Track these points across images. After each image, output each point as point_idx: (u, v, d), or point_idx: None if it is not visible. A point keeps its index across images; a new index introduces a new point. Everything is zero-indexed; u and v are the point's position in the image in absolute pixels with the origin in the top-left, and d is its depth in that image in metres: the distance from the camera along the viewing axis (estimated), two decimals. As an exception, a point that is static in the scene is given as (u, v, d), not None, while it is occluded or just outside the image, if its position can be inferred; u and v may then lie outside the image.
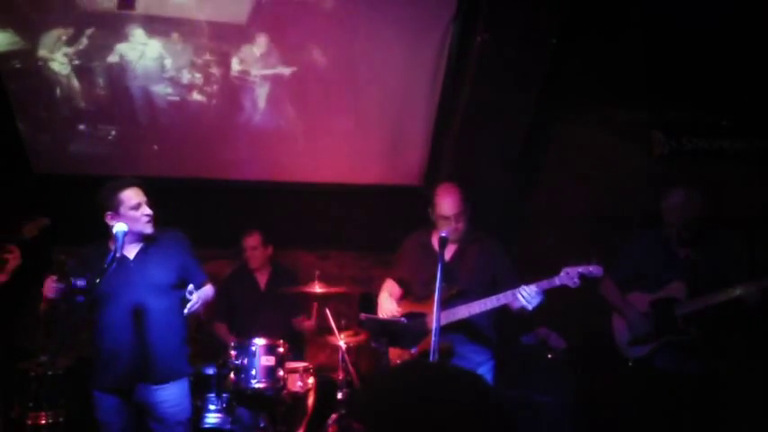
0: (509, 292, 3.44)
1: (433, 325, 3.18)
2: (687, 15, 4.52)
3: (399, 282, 3.94)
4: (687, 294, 3.67)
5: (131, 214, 3.30)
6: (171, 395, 3.39)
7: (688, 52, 4.79)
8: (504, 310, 3.57)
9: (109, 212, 3.31)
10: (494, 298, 3.49)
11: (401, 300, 3.86)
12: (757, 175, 5.31)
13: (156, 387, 3.37)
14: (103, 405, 3.36)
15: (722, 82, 4.98)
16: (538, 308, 3.41)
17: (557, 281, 3.37)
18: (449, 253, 3.71)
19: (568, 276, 3.35)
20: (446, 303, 3.53)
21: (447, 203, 3.67)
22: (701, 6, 4.44)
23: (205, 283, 3.54)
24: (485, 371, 3.75)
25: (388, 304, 3.79)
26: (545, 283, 3.37)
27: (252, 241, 5.10)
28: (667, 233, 3.83)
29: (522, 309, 3.43)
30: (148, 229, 3.37)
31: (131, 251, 3.39)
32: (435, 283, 3.37)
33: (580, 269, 3.35)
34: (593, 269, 3.36)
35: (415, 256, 3.85)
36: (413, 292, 3.83)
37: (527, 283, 3.38)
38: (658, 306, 3.74)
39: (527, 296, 3.36)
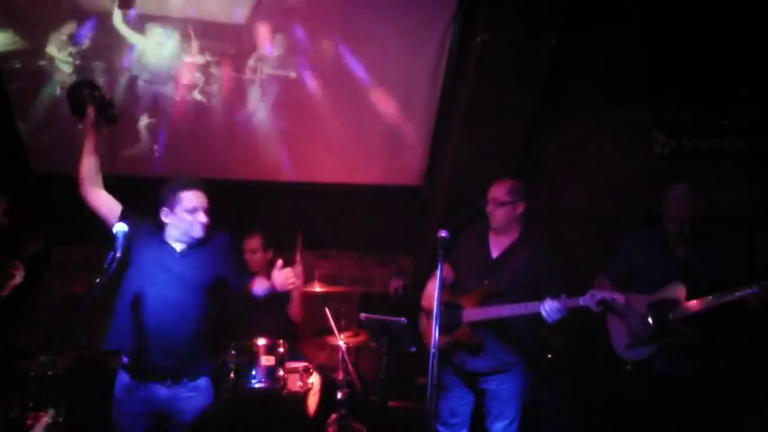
0: (536, 303, 3.53)
1: (433, 324, 3.17)
2: (687, 15, 4.53)
3: (453, 266, 3.95)
4: (687, 296, 3.63)
5: (185, 216, 3.30)
6: (195, 403, 3.37)
7: (688, 52, 4.80)
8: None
9: (165, 208, 3.33)
10: (522, 306, 3.59)
11: (450, 286, 3.91)
12: (757, 175, 5.31)
13: (183, 393, 3.33)
14: (127, 411, 3.31)
15: (722, 82, 4.98)
16: (560, 322, 3.51)
17: (581, 301, 3.47)
18: (498, 250, 3.87)
19: (593, 299, 3.44)
20: (483, 301, 3.73)
21: (493, 188, 3.87)
22: (701, 6, 4.45)
23: (249, 284, 3.52)
24: (515, 373, 3.80)
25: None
26: (570, 302, 3.47)
27: (252, 243, 4.97)
28: (666, 231, 3.77)
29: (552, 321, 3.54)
30: (198, 234, 3.35)
31: (179, 245, 3.39)
32: (482, 279, 3.76)
33: (605, 294, 3.45)
34: (617, 297, 3.46)
35: (470, 248, 3.92)
36: (459, 282, 3.89)
37: (552, 297, 3.48)
38: (658, 308, 3.69)
39: (548, 310, 3.48)
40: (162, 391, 3.30)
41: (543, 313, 3.49)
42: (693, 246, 3.74)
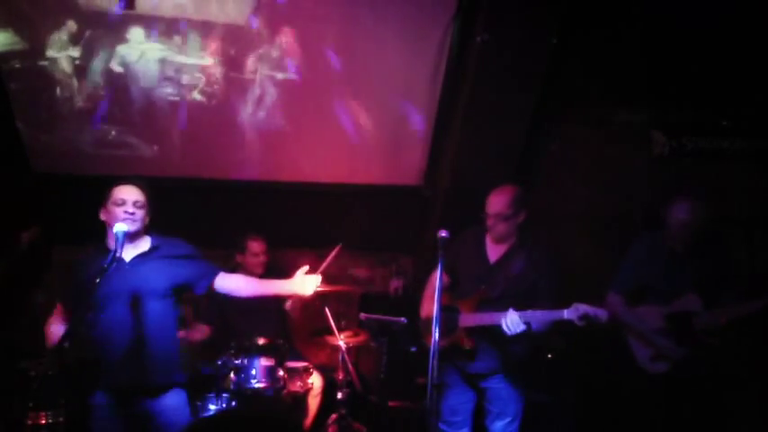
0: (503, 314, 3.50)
1: (433, 327, 3.16)
2: (687, 15, 4.52)
3: (451, 269, 3.87)
4: (703, 305, 3.57)
5: (113, 209, 3.28)
6: (170, 406, 3.35)
7: (688, 52, 4.79)
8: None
9: (102, 207, 3.33)
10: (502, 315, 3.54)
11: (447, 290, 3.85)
12: (757, 175, 5.31)
13: (153, 399, 3.32)
14: (100, 415, 3.31)
15: (722, 82, 4.98)
16: (522, 334, 3.48)
17: (565, 314, 3.39)
18: (495, 255, 3.81)
19: (576, 312, 3.36)
20: (479, 306, 3.69)
21: (492, 201, 3.77)
22: (701, 6, 4.45)
23: (215, 277, 3.48)
24: (515, 372, 3.78)
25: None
26: (554, 314, 3.42)
27: (256, 247, 4.94)
28: (672, 241, 3.74)
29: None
30: (127, 225, 3.26)
31: (128, 254, 3.32)
32: (480, 284, 3.70)
33: (588, 309, 3.34)
34: (600, 313, 3.35)
35: (468, 251, 3.88)
36: (458, 286, 3.85)
37: (520, 310, 3.45)
38: (676, 321, 3.64)
39: (509, 323, 3.46)
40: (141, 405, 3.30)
41: (503, 325, 3.45)
42: (700, 254, 3.70)
